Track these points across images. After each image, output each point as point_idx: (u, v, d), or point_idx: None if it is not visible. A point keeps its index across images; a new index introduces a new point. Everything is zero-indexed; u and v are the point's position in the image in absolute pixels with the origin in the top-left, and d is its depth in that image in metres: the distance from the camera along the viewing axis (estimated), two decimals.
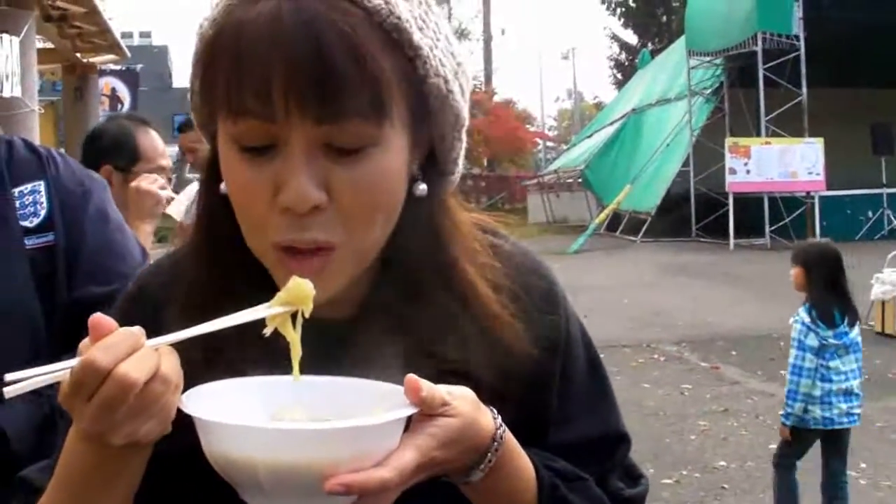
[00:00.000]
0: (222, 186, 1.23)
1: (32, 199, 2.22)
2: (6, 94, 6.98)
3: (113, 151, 3.63)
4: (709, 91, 27.71)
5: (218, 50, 1.15)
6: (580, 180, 31.76)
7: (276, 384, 1.18)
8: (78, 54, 13.02)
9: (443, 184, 1.33)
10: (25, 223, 2.18)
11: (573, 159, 34.23)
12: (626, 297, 16.33)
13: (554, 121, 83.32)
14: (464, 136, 1.32)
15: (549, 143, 60.02)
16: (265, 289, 1.18)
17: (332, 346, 1.23)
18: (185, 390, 1.11)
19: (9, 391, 1.00)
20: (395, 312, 1.26)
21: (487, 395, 1.21)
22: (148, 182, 3.52)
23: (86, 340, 1.05)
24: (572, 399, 1.40)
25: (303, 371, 1.16)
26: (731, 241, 23.32)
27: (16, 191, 2.20)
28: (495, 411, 1.20)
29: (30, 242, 2.18)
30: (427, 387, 1.10)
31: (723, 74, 27.20)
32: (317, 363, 1.18)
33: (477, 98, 37.93)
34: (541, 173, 41.13)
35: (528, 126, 43.36)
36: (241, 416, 1.10)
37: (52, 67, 13.77)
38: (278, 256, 1.18)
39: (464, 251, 1.31)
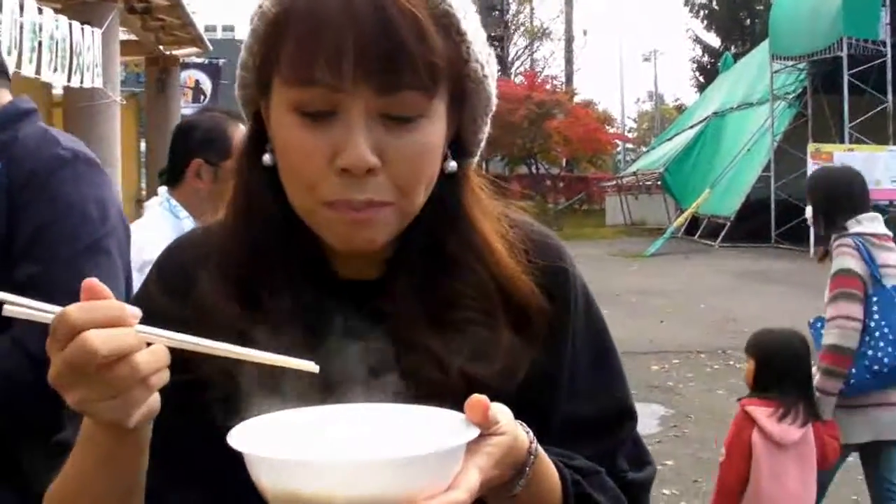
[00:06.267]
0: (265, 158, 1.33)
1: None
2: (87, 84, 7.09)
3: (205, 146, 3.59)
4: (791, 96, 27.40)
5: (289, 23, 1.24)
6: (659, 183, 31.60)
7: (322, 415, 1.17)
8: (161, 46, 13.24)
9: (465, 164, 1.41)
10: None
11: (652, 162, 34.07)
12: (702, 303, 16.17)
13: (634, 122, 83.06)
14: (489, 122, 1.44)
15: (629, 145, 59.78)
16: (298, 260, 1.34)
17: (361, 305, 1.32)
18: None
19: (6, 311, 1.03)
20: (419, 270, 1.35)
21: (507, 350, 1.31)
22: None
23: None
24: (580, 369, 1.45)
25: (341, 332, 1.26)
26: (812, 248, 22.99)
27: None
28: (525, 424, 1.22)
29: None
30: (492, 407, 1.13)
31: (806, 79, 26.84)
32: (348, 322, 1.28)
33: (557, 98, 37.69)
34: (619, 175, 40.94)
35: (607, 128, 43.01)
36: (301, 450, 1.09)
37: (137, 59, 14.02)
38: (331, 210, 1.26)
39: (484, 217, 1.41)
